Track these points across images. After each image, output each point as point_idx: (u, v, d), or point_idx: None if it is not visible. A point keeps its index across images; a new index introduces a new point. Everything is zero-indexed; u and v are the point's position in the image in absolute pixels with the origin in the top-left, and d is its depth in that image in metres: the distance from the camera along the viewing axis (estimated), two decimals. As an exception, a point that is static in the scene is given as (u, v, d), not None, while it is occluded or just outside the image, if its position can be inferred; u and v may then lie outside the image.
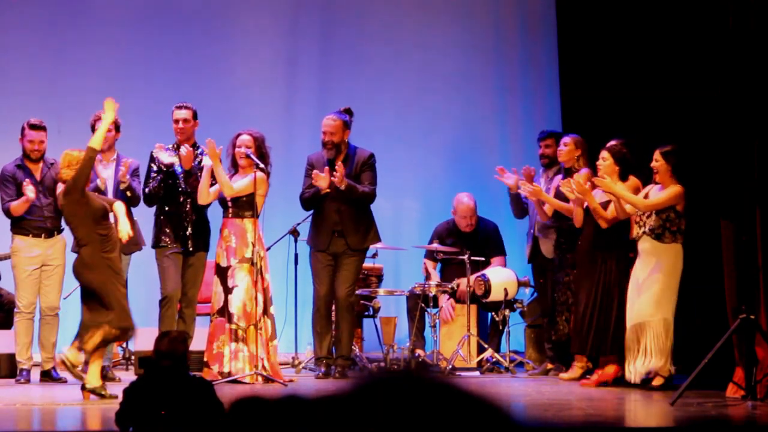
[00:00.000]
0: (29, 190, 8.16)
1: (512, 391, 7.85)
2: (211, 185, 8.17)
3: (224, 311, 8.07)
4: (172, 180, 8.28)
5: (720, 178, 7.29)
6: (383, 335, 8.97)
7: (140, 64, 10.30)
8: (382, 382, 2.49)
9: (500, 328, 9.13)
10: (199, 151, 8.37)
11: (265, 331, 8.04)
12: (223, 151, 8.09)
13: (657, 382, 7.68)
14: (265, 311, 8.07)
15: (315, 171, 8.37)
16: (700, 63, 9.38)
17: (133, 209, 8.25)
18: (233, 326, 8.00)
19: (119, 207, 7.48)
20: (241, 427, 2.65)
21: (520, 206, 9.20)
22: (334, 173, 8.29)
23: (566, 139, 8.66)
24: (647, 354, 7.66)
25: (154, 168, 8.33)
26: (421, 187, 10.52)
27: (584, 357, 8.27)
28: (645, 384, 7.71)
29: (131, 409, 5.00)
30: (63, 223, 8.42)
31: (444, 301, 9.23)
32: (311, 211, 8.68)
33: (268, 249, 8.43)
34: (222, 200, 8.24)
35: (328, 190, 8.39)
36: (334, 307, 8.60)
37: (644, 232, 7.75)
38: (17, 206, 8.26)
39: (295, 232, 9.16)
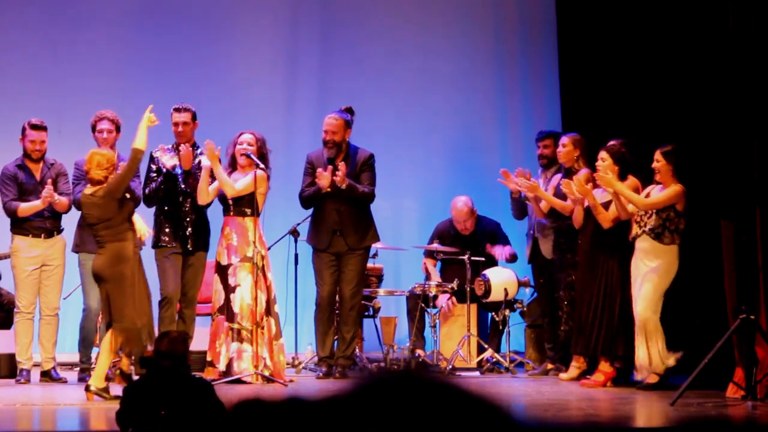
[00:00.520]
0: (46, 199, 8.10)
1: (512, 391, 7.85)
2: (210, 184, 8.17)
3: (224, 309, 8.07)
4: (172, 182, 8.28)
5: (720, 178, 7.29)
6: (383, 335, 8.98)
7: (140, 64, 10.29)
8: (383, 383, 2.49)
9: (500, 328, 9.13)
10: (198, 151, 8.36)
11: (269, 330, 8.05)
12: (222, 151, 8.09)
13: (651, 380, 7.70)
14: (269, 310, 8.07)
15: (319, 170, 8.37)
16: (700, 63, 9.38)
17: (132, 209, 8.26)
18: (236, 326, 8.01)
19: None
20: (242, 428, 2.64)
21: (520, 208, 9.19)
22: (336, 173, 8.29)
23: (564, 140, 8.65)
24: (644, 351, 7.71)
25: (154, 169, 8.33)
26: (421, 187, 10.52)
27: (581, 357, 8.27)
28: (638, 383, 7.74)
29: (131, 409, 5.00)
30: (62, 224, 8.44)
31: (444, 298, 9.24)
32: (311, 211, 8.68)
33: (269, 248, 8.42)
34: (223, 198, 8.24)
35: (328, 189, 8.39)
36: (337, 307, 8.61)
37: (644, 232, 7.75)
38: (26, 209, 8.23)
39: (295, 233, 9.16)
